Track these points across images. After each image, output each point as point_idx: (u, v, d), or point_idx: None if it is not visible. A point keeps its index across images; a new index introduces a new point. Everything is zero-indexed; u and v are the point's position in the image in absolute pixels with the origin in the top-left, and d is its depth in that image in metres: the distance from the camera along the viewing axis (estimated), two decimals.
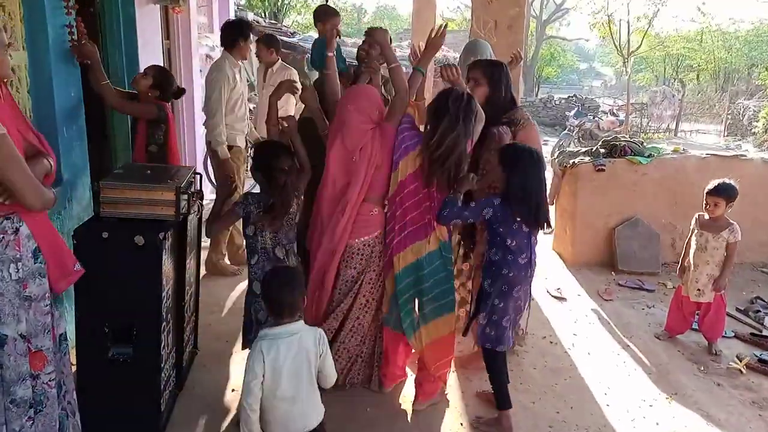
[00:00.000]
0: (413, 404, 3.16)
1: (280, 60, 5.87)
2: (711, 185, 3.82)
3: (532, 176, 2.81)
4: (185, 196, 2.81)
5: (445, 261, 2.99)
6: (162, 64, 5.57)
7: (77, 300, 2.67)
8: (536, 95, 24.89)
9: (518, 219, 2.80)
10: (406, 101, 3.00)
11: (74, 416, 2.51)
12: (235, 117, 4.66)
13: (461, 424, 3.09)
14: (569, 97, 20.92)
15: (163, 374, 2.84)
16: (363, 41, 4.11)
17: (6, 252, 2.09)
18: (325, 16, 4.42)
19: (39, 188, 2.15)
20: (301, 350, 2.30)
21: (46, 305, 2.31)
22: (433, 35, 3.16)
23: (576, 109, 15.05)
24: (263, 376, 2.23)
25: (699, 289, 3.85)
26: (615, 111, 16.55)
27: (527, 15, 5.08)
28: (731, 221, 3.80)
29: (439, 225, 2.93)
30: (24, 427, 2.24)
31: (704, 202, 3.84)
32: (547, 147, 14.14)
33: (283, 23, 19.23)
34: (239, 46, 4.59)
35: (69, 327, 2.64)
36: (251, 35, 4.63)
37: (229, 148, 4.59)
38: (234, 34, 4.60)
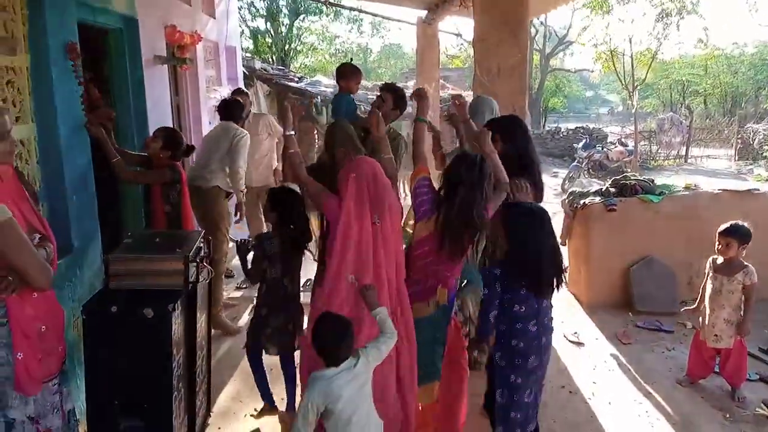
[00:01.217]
0: None
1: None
2: (723, 226, 3.76)
3: (532, 240, 2.71)
4: (194, 264, 2.81)
5: (436, 327, 2.94)
6: (171, 121, 5.66)
7: (87, 373, 2.65)
8: (543, 127, 24.99)
9: (523, 284, 2.73)
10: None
11: None
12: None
13: None
14: (577, 128, 20.95)
15: None
16: (377, 98, 4.21)
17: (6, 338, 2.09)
18: (351, 74, 4.60)
19: (46, 268, 2.16)
20: (355, 377, 2.35)
21: (54, 384, 2.30)
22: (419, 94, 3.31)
23: (584, 140, 15.03)
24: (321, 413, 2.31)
25: (716, 335, 3.76)
26: (623, 140, 16.54)
27: (529, 59, 5.12)
28: (746, 263, 3.73)
29: (443, 289, 2.90)
30: None
31: (716, 242, 3.78)
32: (557, 179, 14.17)
33: (291, 67, 19.53)
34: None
35: (80, 396, 2.63)
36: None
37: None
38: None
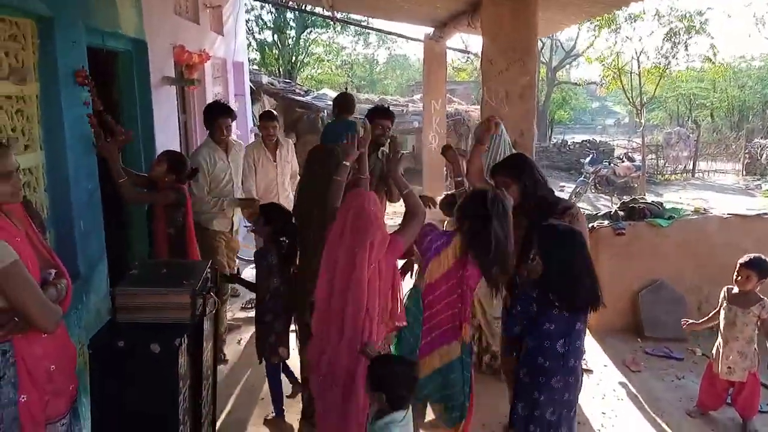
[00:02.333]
0: None
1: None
2: (745, 258, 3.70)
3: (568, 260, 2.70)
4: (201, 297, 2.79)
5: (465, 365, 2.93)
6: (179, 141, 5.66)
7: (93, 406, 2.62)
8: (549, 140, 24.95)
9: (556, 304, 2.71)
10: (422, 222, 2.89)
11: None
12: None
13: None
14: (583, 141, 20.91)
15: None
16: (375, 126, 4.23)
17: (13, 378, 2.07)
18: (349, 106, 4.72)
19: (51, 311, 2.15)
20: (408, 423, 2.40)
21: (63, 424, 2.28)
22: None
23: (591, 156, 14.98)
24: None
25: (729, 367, 3.71)
26: (630, 155, 16.51)
27: (537, 83, 5.09)
28: (761, 296, 3.68)
29: (467, 326, 2.87)
30: None
31: (735, 273, 3.72)
32: (563, 194, 14.13)
33: (297, 79, 19.60)
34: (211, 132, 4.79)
35: (86, 424, 2.60)
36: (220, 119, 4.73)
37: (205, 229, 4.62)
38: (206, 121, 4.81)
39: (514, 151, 4.00)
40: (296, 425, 3.72)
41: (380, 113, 4.47)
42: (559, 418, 2.81)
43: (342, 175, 2.95)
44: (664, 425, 3.86)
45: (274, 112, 5.86)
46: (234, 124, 7.65)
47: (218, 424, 3.69)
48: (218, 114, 4.73)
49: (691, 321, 4.08)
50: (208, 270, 3.08)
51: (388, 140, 4.37)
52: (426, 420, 3.38)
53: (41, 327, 2.10)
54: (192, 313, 2.69)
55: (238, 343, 5.02)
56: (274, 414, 3.81)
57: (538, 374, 2.77)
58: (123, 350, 2.54)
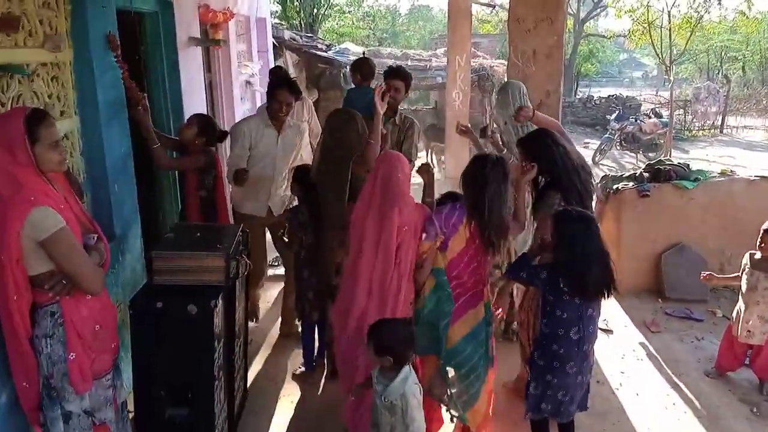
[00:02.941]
0: None
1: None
2: None
3: (580, 245, 2.70)
4: (234, 260, 2.90)
5: (488, 323, 3.01)
6: (205, 102, 5.71)
7: (134, 364, 2.77)
8: (575, 94, 24.46)
9: (566, 290, 2.75)
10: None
11: None
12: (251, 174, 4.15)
13: None
14: (610, 96, 20.46)
15: (216, 430, 2.93)
16: (387, 87, 4.22)
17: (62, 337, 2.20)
18: (368, 74, 4.63)
19: (97, 274, 2.26)
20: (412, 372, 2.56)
21: (108, 379, 2.42)
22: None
23: (617, 112, 14.69)
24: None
25: (749, 330, 3.76)
26: (657, 110, 16.16)
27: (564, 43, 5.02)
28: None
29: (487, 287, 2.95)
30: None
31: (759, 239, 3.73)
32: (588, 150, 13.96)
33: (319, 33, 19.35)
34: (270, 101, 4.21)
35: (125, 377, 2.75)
36: (286, 89, 4.15)
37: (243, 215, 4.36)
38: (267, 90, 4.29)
39: None
40: (323, 383, 3.88)
41: (392, 73, 4.33)
42: (572, 398, 2.90)
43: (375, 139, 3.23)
44: (682, 385, 3.94)
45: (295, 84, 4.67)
46: (257, 80, 7.75)
47: (250, 378, 3.86)
48: (277, 86, 4.20)
49: (709, 272, 4.10)
50: (240, 234, 3.18)
51: (404, 119, 4.32)
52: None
53: (88, 289, 2.22)
54: (226, 275, 2.80)
55: (265, 301, 5.16)
56: (303, 368, 3.96)
57: (552, 359, 2.83)
58: (161, 311, 2.66)
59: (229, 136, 4.31)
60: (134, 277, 3.72)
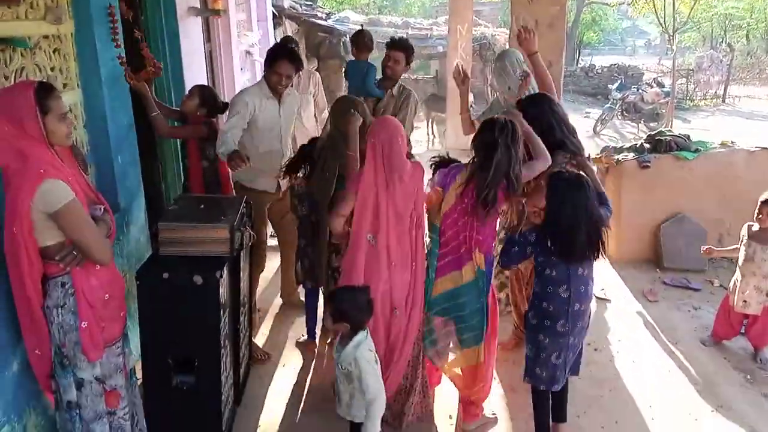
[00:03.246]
0: (462, 426, 3.26)
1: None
2: (765, 195, 3.73)
3: (570, 207, 2.74)
4: (238, 231, 2.94)
5: (480, 292, 3.04)
6: (206, 72, 5.69)
7: (142, 334, 2.83)
8: (576, 63, 24.22)
9: (553, 250, 2.81)
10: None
11: None
12: (255, 151, 3.87)
13: None
14: (611, 65, 20.30)
15: (223, 396, 3.01)
16: (387, 57, 4.23)
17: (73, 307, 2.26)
18: (363, 47, 4.58)
19: (106, 245, 2.30)
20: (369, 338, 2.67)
21: (118, 346, 2.49)
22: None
23: (619, 81, 14.62)
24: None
25: (745, 301, 3.82)
26: (660, 80, 16.04)
27: (566, 12, 4.98)
28: None
29: (480, 254, 2.99)
30: None
31: (757, 211, 3.77)
32: (589, 120, 13.91)
33: (318, 1, 19.09)
34: (267, 73, 3.89)
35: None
36: (286, 61, 3.86)
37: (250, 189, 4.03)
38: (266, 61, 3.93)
39: None
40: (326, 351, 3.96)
41: (393, 44, 4.31)
42: (565, 361, 2.94)
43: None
44: (678, 353, 4.02)
45: (298, 54, 4.42)
46: (257, 50, 7.70)
47: (257, 342, 3.95)
48: (277, 57, 3.87)
49: (709, 246, 4.16)
50: (244, 205, 3.21)
51: (402, 90, 4.31)
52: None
53: (98, 260, 2.27)
54: (230, 246, 2.84)
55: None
56: (305, 337, 4.04)
57: (543, 318, 2.89)
58: (168, 282, 2.71)
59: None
60: (138, 248, 3.76)
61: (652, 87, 13.86)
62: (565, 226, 2.75)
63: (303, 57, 6.36)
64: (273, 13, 9.77)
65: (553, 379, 2.96)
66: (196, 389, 2.87)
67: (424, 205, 3.07)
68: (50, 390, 2.40)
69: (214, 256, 2.83)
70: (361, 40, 4.60)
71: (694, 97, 18.09)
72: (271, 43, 9.30)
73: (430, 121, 11.51)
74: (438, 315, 3.14)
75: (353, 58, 4.76)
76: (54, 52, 3.06)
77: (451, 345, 3.24)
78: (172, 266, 2.75)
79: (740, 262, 3.87)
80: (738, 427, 3.31)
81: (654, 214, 5.35)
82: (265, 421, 3.34)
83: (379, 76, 4.52)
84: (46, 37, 2.98)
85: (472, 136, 3.05)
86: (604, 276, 5.17)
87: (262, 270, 4.38)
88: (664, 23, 15.28)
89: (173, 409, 2.88)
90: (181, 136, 4.11)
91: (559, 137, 3.27)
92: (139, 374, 2.90)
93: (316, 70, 10.59)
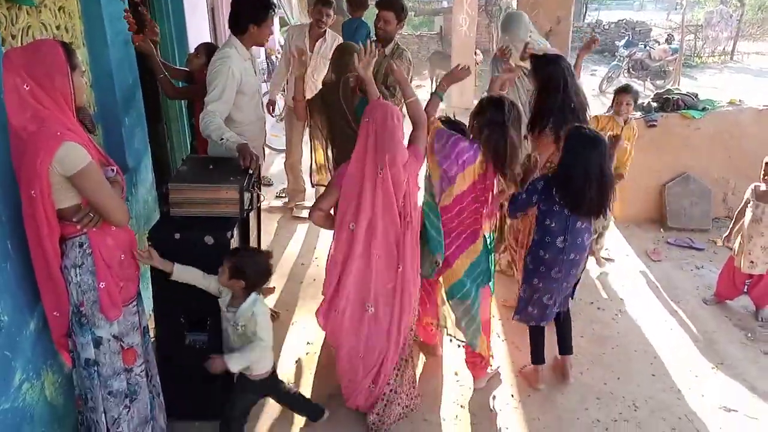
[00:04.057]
0: (475, 384, 3.34)
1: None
2: None
3: (582, 161, 2.81)
4: (248, 192, 2.95)
5: (488, 252, 3.11)
6: (209, 30, 5.62)
7: (155, 293, 2.88)
8: (583, 19, 23.76)
9: (558, 201, 2.89)
10: (425, 128, 2.93)
11: (159, 396, 2.79)
12: (243, 121, 3.55)
13: (512, 395, 3.28)
14: (619, 21, 19.93)
15: None
16: (377, 17, 4.12)
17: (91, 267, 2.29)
18: (358, 6, 4.47)
19: (123, 206, 2.33)
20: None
21: (134, 305, 2.54)
22: (459, 69, 3.22)
23: (626, 38, 14.38)
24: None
25: (752, 261, 3.84)
26: (671, 37, 15.78)
27: None
28: None
29: (488, 220, 3.02)
30: (121, 414, 2.52)
31: (762, 171, 3.77)
32: (595, 78, 13.74)
33: None
34: (249, 32, 3.44)
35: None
36: (271, 12, 3.46)
37: None
38: (244, 17, 3.41)
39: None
40: None
41: (381, 3, 4.13)
42: (555, 301, 3.15)
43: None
44: (680, 311, 4.08)
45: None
46: None
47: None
48: (261, 10, 3.40)
49: (724, 239, 4.18)
50: None
51: (395, 49, 4.18)
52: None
53: (115, 221, 2.29)
54: (240, 207, 2.86)
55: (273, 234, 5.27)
56: None
57: (539, 264, 3.06)
58: (179, 242, 2.74)
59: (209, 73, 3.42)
60: (147, 208, 3.79)
61: (659, 44, 13.65)
62: (579, 180, 2.82)
63: (304, 14, 6.23)
64: None
65: (543, 317, 3.19)
66: (208, 347, 2.92)
67: (419, 208, 2.96)
68: (66, 349, 2.44)
69: (224, 216, 2.85)
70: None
71: (702, 54, 17.81)
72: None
73: (435, 78, 11.38)
74: (463, 299, 3.10)
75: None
76: (59, 10, 3.02)
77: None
78: (183, 227, 2.77)
79: (746, 223, 3.88)
80: (738, 383, 3.39)
81: (659, 174, 5.34)
82: None
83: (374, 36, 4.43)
84: None
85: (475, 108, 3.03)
86: (608, 235, 5.20)
87: None
88: None
89: (186, 366, 2.94)
90: (186, 97, 4.11)
91: (571, 98, 3.31)
92: (152, 333, 2.96)
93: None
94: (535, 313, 3.18)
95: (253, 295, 2.62)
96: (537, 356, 3.31)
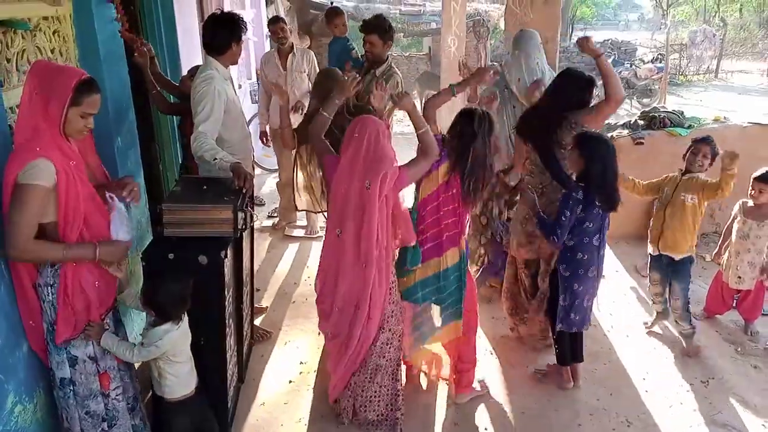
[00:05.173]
0: (455, 399, 3.36)
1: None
2: (759, 172, 3.79)
3: (609, 164, 3.08)
4: (242, 212, 2.97)
5: (461, 274, 3.14)
6: (200, 46, 5.66)
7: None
8: (570, 39, 24.07)
9: (597, 203, 3.07)
10: (431, 161, 2.95)
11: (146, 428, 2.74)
12: (231, 139, 3.54)
13: (504, 411, 3.29)
14: (605, 40, 20.20)
15: (228, 374, 3.07)
16: (363, 41, 4.18)
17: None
18: (333, 17, 4.52)
19: (28, 244, 2.15)
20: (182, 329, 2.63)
21: (110, 329, 2.53)
22: (483, 69, 3.44)
23: (612, 57, 14.61)
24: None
25: (739, 277, 3.89)
26: (661, 56, 16.03)
27: None
28: None
29: (463, 237, 3.09)
30: None
31: (750, 188, 3.83)
32: None
33: None
34: (231, 51, 3.46)
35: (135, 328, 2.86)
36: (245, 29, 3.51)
37: None
38: (225, 36, 3.41)
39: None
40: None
41: (363, 27, 4.15)
42: (590, 303, 3.36)
43: (329, 111, 3.10)
44: (670, 327, 4.11)
45: (280, 15, 5.49)
46: (251, 29, 7.65)
47: (258, 322, 4.01)
48: (240, 27, 3.44)
49: (714, 256, 4.22)
50: None
51: (387, 70, 4.17)
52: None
53: (7, 248, 2.15)
54: (234, 227, 2.88)
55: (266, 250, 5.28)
56: None
57: (578, 268, 3.23)
58: (173, 262, 2.75)
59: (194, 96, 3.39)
60: (139, 229, 3.79)
61: (645, 63, 13.87)
62: (611, 180, 3.09)
63: (294, 35, 6.35)
64: None
65: (583, 321, 3.36)
66: (202, 367, 2.91)
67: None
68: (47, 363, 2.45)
69: (218, 236, 2.87)
70: (330, 17, 4.61)
71: (687, 72, 18.10)
72: (264, 21, 9.23)
73: (423, 99, 11.48)
74: (414, 303, 3.19)
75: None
76: (54, 33, 3.05)
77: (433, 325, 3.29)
78: (177, 247, 2.78)
79: (733, 239, 3.93)
80: (728, 397, 3.42)
81: None
82: (267, 399, 3.41)
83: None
84: (45, 18, 2.97)
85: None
86: None
87: None
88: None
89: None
90: (181, 112, 4.13)
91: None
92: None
93: (308, 47, 10.51)
94: (577, 318, 3.32)
95: (168, 325, 2.52)
96: (565, 358, 3.45)
